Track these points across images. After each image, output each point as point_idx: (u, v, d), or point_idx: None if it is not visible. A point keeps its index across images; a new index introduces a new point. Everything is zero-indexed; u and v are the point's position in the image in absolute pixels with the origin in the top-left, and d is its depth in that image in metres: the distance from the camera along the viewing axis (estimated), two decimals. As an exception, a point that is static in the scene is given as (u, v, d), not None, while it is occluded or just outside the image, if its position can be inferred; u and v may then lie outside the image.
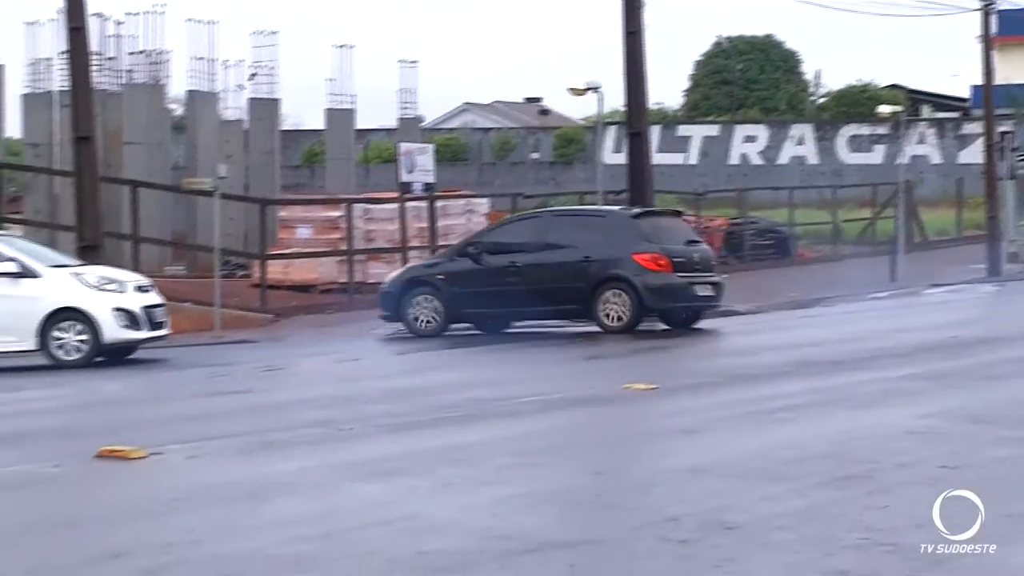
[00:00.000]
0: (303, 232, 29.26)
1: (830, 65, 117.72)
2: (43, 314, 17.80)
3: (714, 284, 20.26)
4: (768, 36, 64.77)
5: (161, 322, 18.79)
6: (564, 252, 19.86)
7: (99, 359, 18.04)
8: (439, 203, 30.26)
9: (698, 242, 21.14)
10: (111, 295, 18.11)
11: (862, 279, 29.84)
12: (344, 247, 27.93)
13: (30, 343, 17.89)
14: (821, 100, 64.40)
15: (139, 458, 9.94)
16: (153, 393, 15.93)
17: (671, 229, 20.66)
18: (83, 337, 17.83)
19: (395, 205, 29.41)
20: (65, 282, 18.13)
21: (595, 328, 19.62)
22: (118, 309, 18.02)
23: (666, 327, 20.10)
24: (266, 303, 25.45)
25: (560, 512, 7.84)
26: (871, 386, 12.82)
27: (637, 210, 21.47)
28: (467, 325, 20.61)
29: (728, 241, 36.08)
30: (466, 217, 31.80)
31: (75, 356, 17.80)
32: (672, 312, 20.00)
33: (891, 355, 15.46)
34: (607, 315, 19.35)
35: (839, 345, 16.93)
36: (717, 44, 65.06)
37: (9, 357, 18.27)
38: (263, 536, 7.34)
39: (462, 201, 32.48)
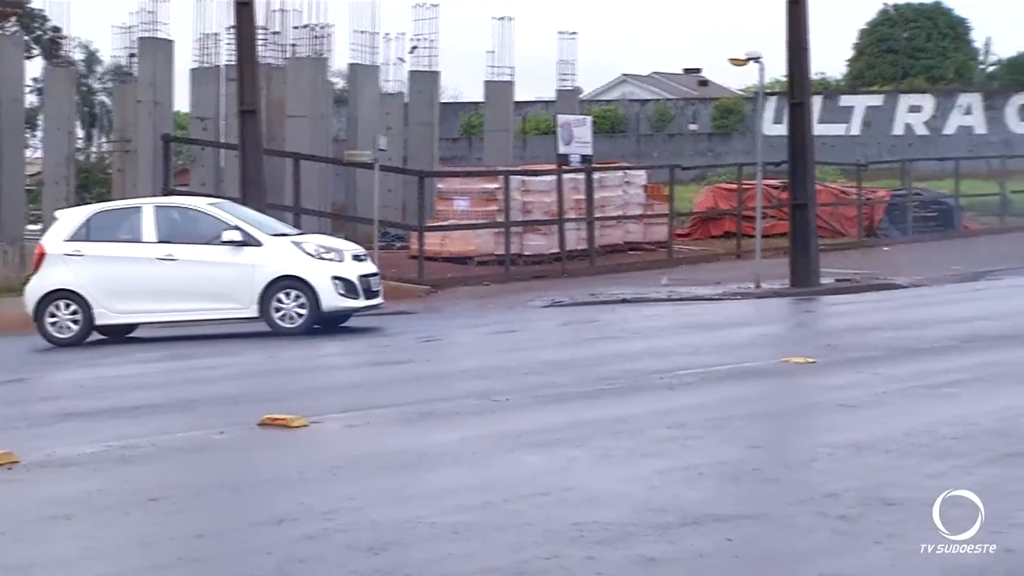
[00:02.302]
0: (460, 204, 29.46)
1: (1000, 33, 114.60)
2: (264, 282, 18.11)
3: None
4: (936, 3, 63.33)
5: (376, 291, 19.07)
6: None
7: (315, 327, 18.39)
8: (596, 175, 30.21)
9: None
10: (330, 264, 18.38)
11: (1031, 252, 29.06)
12: (501, 219, 28.05)
13: (251, 310, 18.23)
14: (991, 69, 62.74)
15: (301, 426, 10.14)
16: (322, 362, 16.22)
17: None
18: (302, 305, 18.16)
19: (552, 177, 29.42)
20: (286, 251, 18.41)
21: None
22: (336, 278, 18.27)
23: None
24: (423, 274, 25.71)
25: (717, 485, 7.80)
26: (1040, 362, 12.50)
27: None
28: None
29: (890, 213, 35.42)
30: (623, 189, 31.73)
31: (294, 324, 18.07)
32: None
33: (1061, 330, 15.05)
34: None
35: (1007, 319, 16.52)
36: (883, 12, 63.81)
37: (231, 324, 18.75)
38: (423, 505, 7.44)
39: (619, 173, 32.38)
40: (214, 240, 18.43)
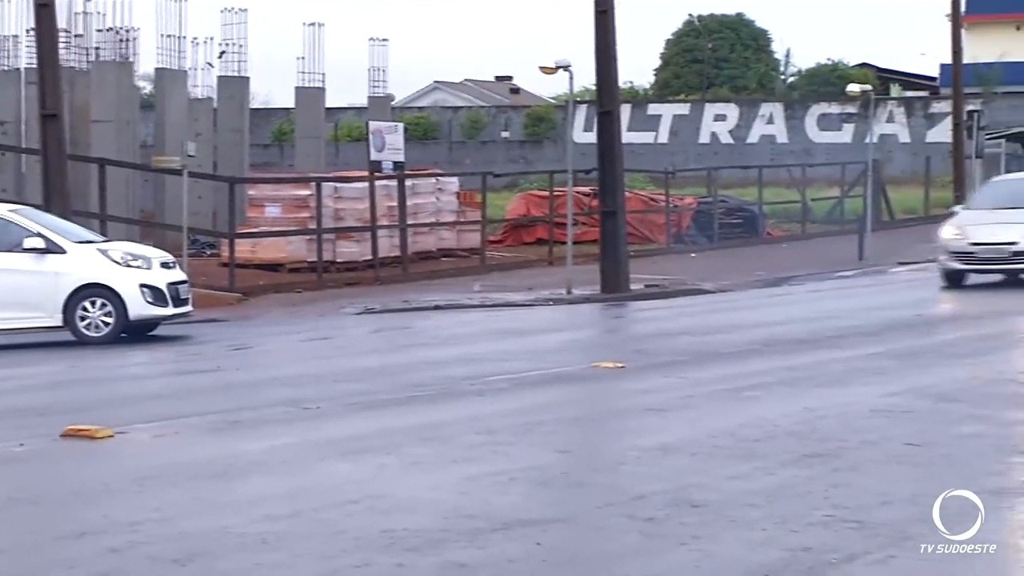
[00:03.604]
0: (272, 211, 29.15)
1: (800, 44, 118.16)
2: (69, 290, 17.68)
3: None
4: (739, 15, 64.92)
5: (185, 299, 18.74)
6: None
7: (123, 335, 17.96)
8: (409, 182, 30.17)
9: None
10: (137, 271, 18.03)
11: (830, 258, 30.00)
12: (313, 226, 27.84)
13: (55, 319, 17.77)
14: (791, 79, 64.54)
15: (105, 437, 9.91)
16: (129, 371, 15.89)
17: None
18: (108, 314, 17.76)
19: (364, 184, 29.30)
20: (91, 258, 18.01)
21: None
22: (144, 285, 17.92)
23: None
24: (234, 282, 25.36)
25: (527, 490, 7.87)
26: (838, 365, 12.90)
27: None
28: None
29: (697, 220, 36.16)
30: (436, 196, 31.77)
31: (100, 332, 17.68)
32: None
33: (858, 333, 15.55)
34: None
35: (807, 324, 17.00)
36: (688, 23, 65.15)
37: (35, 333, 18.19)
38: (231, 515, 7.34)
39: (432, 180, 32.43)
40: (15, 247, 17.93)
